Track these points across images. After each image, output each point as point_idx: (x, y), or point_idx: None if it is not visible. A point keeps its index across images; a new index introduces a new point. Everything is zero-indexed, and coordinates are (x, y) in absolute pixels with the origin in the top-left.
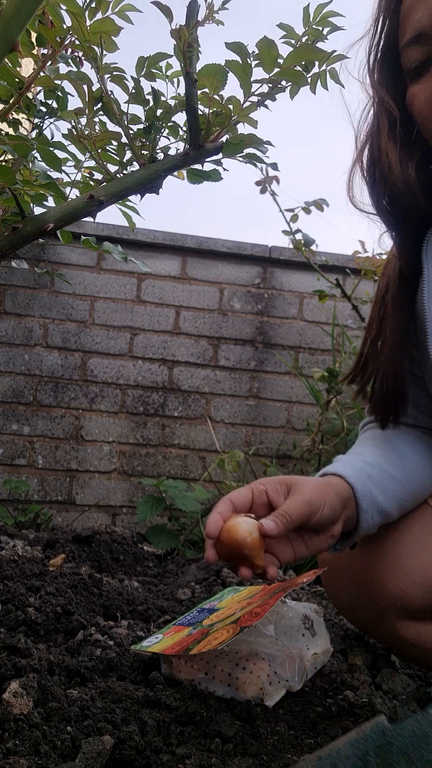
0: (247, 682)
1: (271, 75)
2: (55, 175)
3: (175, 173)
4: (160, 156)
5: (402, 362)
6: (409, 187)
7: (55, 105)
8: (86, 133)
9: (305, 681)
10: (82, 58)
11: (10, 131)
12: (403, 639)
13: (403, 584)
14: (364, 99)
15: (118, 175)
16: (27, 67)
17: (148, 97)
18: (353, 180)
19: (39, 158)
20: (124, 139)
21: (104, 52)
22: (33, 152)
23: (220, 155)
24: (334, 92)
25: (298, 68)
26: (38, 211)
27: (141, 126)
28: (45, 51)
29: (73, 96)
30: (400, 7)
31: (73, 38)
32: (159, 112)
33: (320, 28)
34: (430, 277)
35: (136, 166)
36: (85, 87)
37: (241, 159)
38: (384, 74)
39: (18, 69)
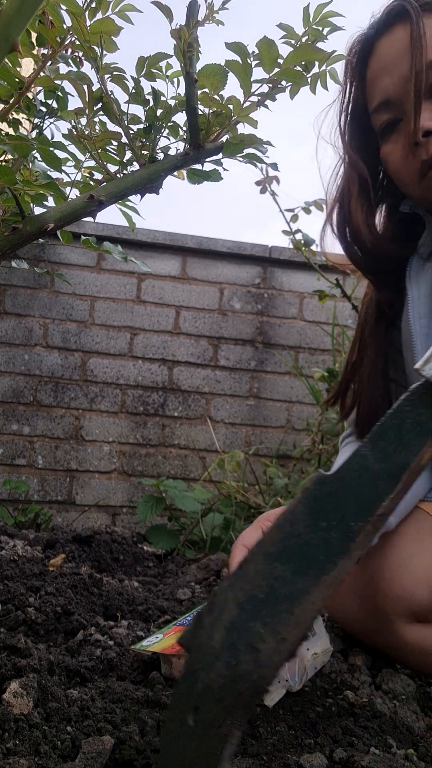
0: None
1: (271, 75)
2: (55, 175)
3: (175, 173)
4: (160, 156)
5: (382, 385)
6: (378, 243)
7: (55, 105)
8: (86, 133)
9: (305, 681)
10: (82, 58)
11: (10, 131)
12: (407, 643)
13: (408, 584)
14: (335, 160)
15: (118, 175)
16: (27, 67)
17: (148, 97)
18: (325, 236)
19: (39, 158)
20: (124, 139)
21: (104, 52)
22: (33, 152)
23: (220, 155)
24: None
25: (298, 68)
26: (38, 211)
27: (141, 126)
28: (45, 51)
29: (73, 96)
30: (366, 73)
31: (73, 38)
32: (159, 112)
33: (320, 28)
34: (414, 300)
35: (136, 166)
36: (85, 87)
37: (241, 159)
38: (355, 134)
39: (18, 69)
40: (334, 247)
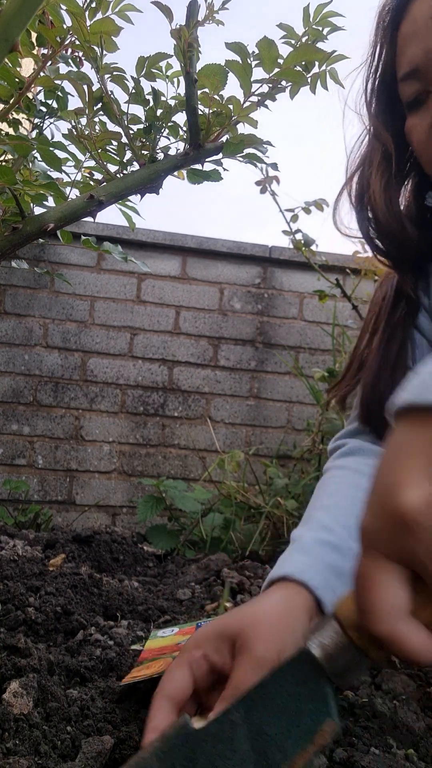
0: None
1: (271, 75)
2: (55, 175)
3: (175, 173)
4: (160, 156)
5: (389, 374)
6: (395, 218)
7: (55, 105)
8: (86, 133)
9: None
10: (82, 58)
11: (10, 131)
12: None
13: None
14: (360, 128)
15: (118, 175)
16: (27, 67)
17: (148, 97)
18: (340, 206)
19: (39, 158)
20: (124, 139)
21: (104, 52)
22: (33, 152)
23: (220, 155)
24: (335, 105)
25: (298, 68)
26: (38, 211)
27: (141, 126)
28: (45, 51)
29: (73, 96)
30: (397, 35)
31: (73, 38)
32: (159, 112)
33: (320, 28)
34: None
35: (136, 166)
36: (85, 87)
37: (241, 159)
38: (381, 103)
39: (18, 69)
40: (350, 219)
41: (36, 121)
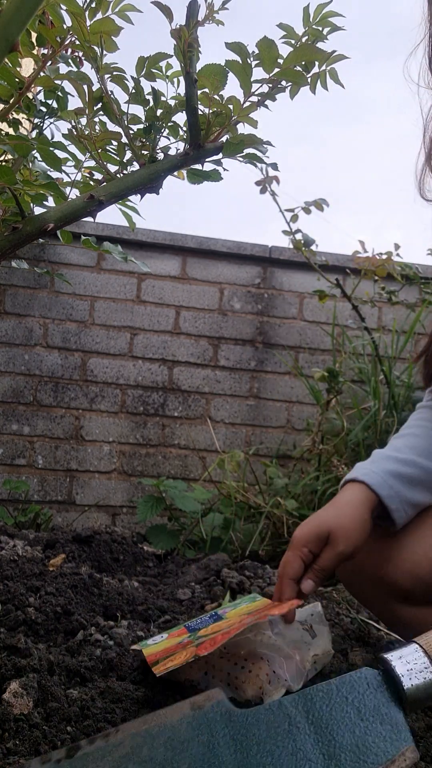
0: (247, 681)
1: (271, 75)
2: (55, 175)
3: (175, 173)
4: (160, 156)
5: None
6: None
7: (55, 105)
8: (86, 133)
9: (305, 681)
10: (82, 58)
11: (10, 131)
12: (402, 620)
13: (395, 573)
14: (429, 98)
15: (118, 175)
16: (27, 67)
17: (148, 97)
18: (425, 173)
19: (39, 158)
20: (124, 139)
21: (104, 52)
22: (33, 152)
23: (220, 155)
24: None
25: (298, 68)
26: (38, 211)
27: (141, 126)
28: (45, 51)
29: (73, 96)
30: None
31: (73, 38)
32: (159, 112)
33: (320, 28)
34: None
35: (136, 166)
36: (85, 87)
37: (241, 159)
38: None
39: (18, 69)
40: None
41: (36, 121)
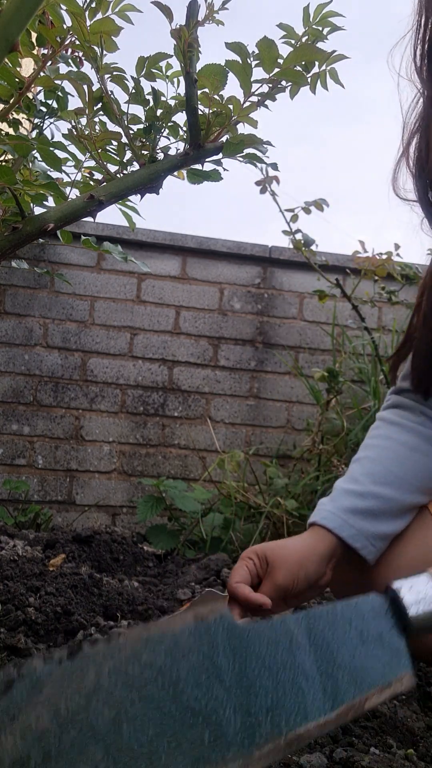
0: None
1: (271, 75)
2: (55, 175)
3: (175, 173)
4: (160, 156)
5: None
6: None
7: (55, 105)
8: (86, 133)
9: None
10: (82, 58)
11: (10, 131)
12: None
13: (389, 581)
14: (413, 92)
15: (118, 175)
16: (27, 67)
17: (148, 97)
18: (399, 169)
19: (39, 158)
20: (124, 139)
21: (104, 52)
22: (33, 152)
23: (220, 155)
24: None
25: (298, 68)
26: (38, 211)
27: (141, 126)
28: (45, 51)
29: (73, 96)
30: None
31: (73, 38)
32: (159, 112)
33: (320, 28)
34: None
35: (136, 166)
36: (85, 87)
37: (241, 159)
38: None
39: (18, 69)
40: (406, 182)
41: (36, 121)
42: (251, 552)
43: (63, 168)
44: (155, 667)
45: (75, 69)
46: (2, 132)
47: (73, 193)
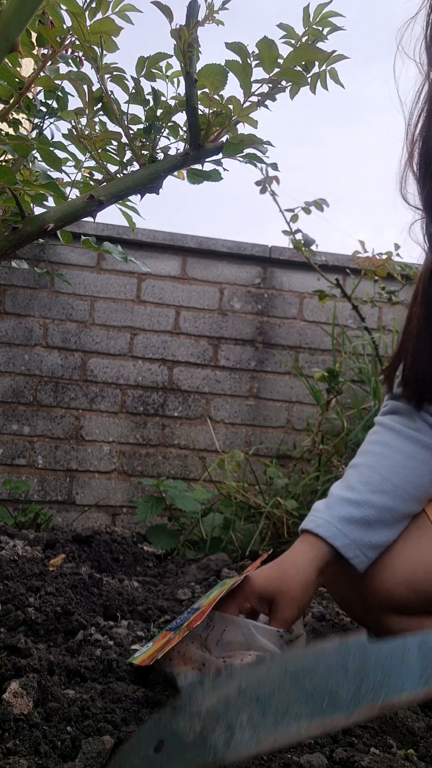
0: None
1: (271, 75)
2: (55, 175)
3: (175, 173)
4: (160, 156)
5: (430, 342)
6: None
7: (55, 105)
8: (86, 133)
9: None
10: (82, 58)
11: (10, 131)
12: (393, 632)
13: (388, 583)
14: (418, 79)
15: (118, 175)
16: (27, 67)
17: (148, 97)
18: (406, 172)
19: (39, 158)
20: (124, 139)
21: (104, 52)
22: (33, 152)
23: (220, 155)
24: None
25: (298, 68)
26: (38, 211)
27: (141, 126)
28: (45, 51)
29: (73, 96)
30: None
31: (73, 38)
32: (159, 112)
33: (320, 28)
34: None
35: (136, 166)
36: (85, 87)
37: (241, 159)
38: None
39: (18, 69)
40: (410, 186)
41: (36, 121)
42: (252, 596)
43: (63, 168)
44: (305, 663)
45: (75, 69)
46: (2, 132)
47: (73, 193)
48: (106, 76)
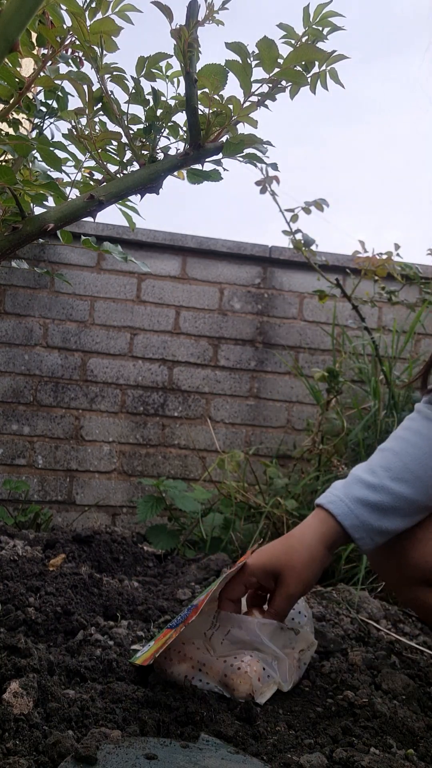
0: (239, 681)
1: (271, 75)
2: (55, 175)
3: (175, 173)
4: (160, 156)
5: None
6: None
7: (55, 105)
8: (86, 133)
9: (295, 679)
10: (82, 58)
11: (10, 131)
12: (424, 603)
13: (424, 555)
14: None
15: (118, 175)
16: (27, 67)
17: (148, 97)
18: None
19: (39, 158)
20: (124, 139)
21: (104, 52)
22: (33, 152)
23: (220, 155)
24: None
25: (298, 68)
26: (38, 211)
27: (141, 126)
28: (45, 51)
29: (73, 96)
30: None
31: (73, 38)
32: (159, 112)
33: (320, 28)
34: None
35: (136, 166)
36: (85, 87)
37: (241, 159)
38: None
39: (18, 69)
40: None
41: (36, 121)
42: (257, 569)
43: (63, 168)
44: None
45: (75, 69)
46: (2, 132)
47: (73, 193)
48: (106, 76)
